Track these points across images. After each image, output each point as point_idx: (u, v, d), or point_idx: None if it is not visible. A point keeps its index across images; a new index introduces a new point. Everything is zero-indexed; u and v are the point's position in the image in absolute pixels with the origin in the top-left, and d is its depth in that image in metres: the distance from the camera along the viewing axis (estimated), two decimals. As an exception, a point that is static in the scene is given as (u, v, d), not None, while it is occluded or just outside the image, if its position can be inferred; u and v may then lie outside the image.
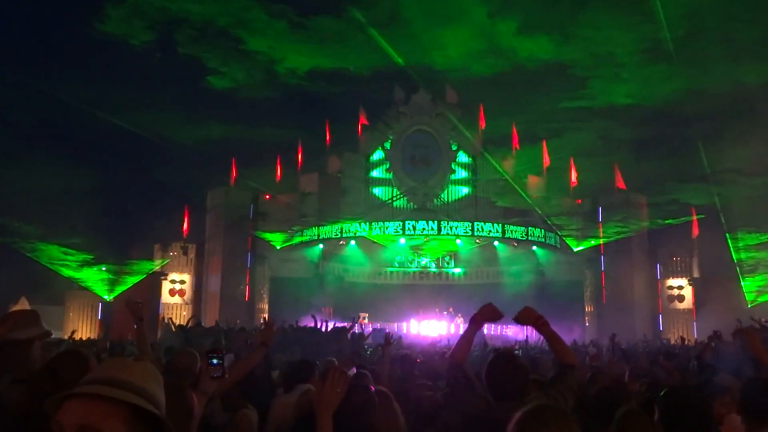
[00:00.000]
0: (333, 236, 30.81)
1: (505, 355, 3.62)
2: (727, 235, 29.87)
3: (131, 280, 31.55)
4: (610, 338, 13.69)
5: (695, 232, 31.53)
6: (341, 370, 2.84)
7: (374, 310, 31.01)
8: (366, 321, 29.01)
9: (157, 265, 32.49)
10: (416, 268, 35.32)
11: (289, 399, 4.96)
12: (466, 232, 30.16)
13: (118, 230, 32.58)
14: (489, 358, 3.64)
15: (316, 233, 31.24)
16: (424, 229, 29.95)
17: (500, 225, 30.30)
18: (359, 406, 3.33)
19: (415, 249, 33.98)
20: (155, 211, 34.06)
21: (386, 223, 30.36)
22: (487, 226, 30.16)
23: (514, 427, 1.97)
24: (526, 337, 17.29)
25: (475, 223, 30.17)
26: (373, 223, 30.38)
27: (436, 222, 30.02)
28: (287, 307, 27.21)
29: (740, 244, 30.25)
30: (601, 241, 32.39)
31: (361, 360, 10.36)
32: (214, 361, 3.18)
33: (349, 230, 30.36)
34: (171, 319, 24.11)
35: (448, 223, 30.05)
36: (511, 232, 30.49)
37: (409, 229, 29.82)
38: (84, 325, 30.98)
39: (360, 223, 30.43)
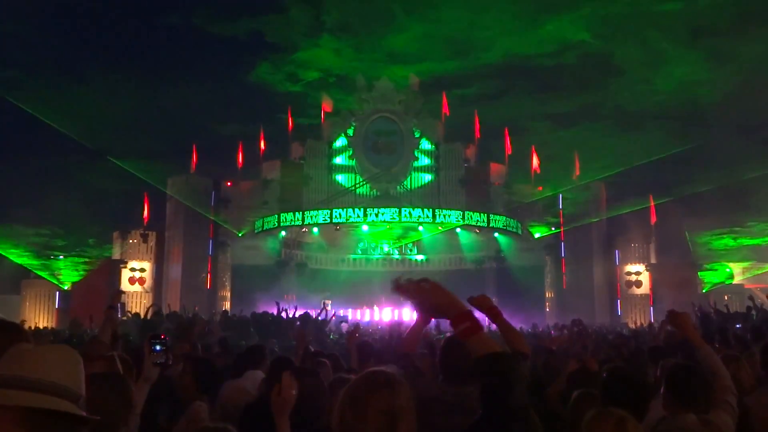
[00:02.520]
0: (323, 221, 30.17)
1: (457, 339, 3.63)
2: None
3: (89, 268, 31.04)
4: (572, 323, 13.95)
5: (653, 219, 32.09)
6: (292, 375, 2.87)
7: (337, 297, 30.97)
8: (329, 308, 28.98)
9: (114, 251, 32.01)
10: (379, 255, 35.32)
11: (238, 384, 4.92)
12: (458, 220, 30.20)
13: (76, 217, 31.99)
14: (442, 342, 3.67)
15: (300, 218, 30.40)
16: (419, 216, 29.86)
17: (485, 215, 30.54)
18: (309, 392, 3.33)
19: (378, 236, 33.92)
20: (114, 198, 33.56)
21: (381, 209, 30.16)
22: (475, 215, 30.30)
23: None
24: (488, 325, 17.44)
25: (466, 213, 30.28)
26: (368, 209, 30.02)
27: (430, 210, 29.94)
28: (250, 295, 27.09)
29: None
30: (561, 228, 32.78)
31: (324, 346, 10.37)
32: (157, 347, 3.09)
33: (340, 216, 29.80)
34: (129, 311, 23.77)
35: (441, 211, 30.04)
36: (495, 221, 30.77)
37: (405, 215, 29.74)
38: (41, 313, 30.43)
39: (354, 209, 30.04)
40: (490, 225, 30.69)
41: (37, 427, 1.45)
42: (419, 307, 2.09)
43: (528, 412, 1.91)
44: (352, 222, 30.20)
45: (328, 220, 29.97)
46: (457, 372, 3.41)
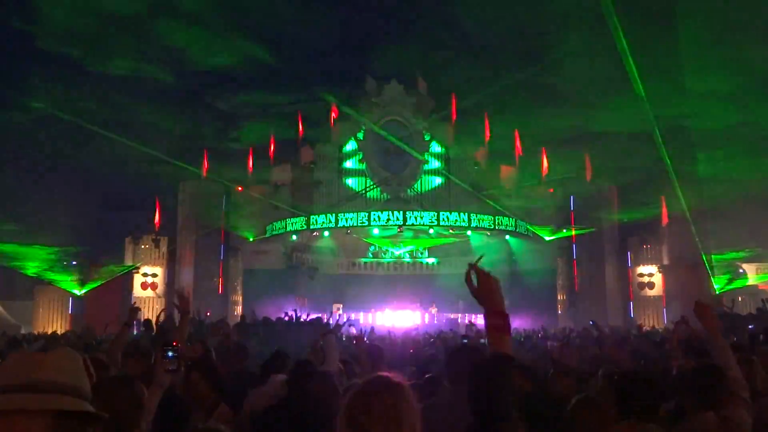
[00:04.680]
0: (360, 225, 29.71)
1: (462, 347, 3.72)
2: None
3: (102, 275, 31.17)
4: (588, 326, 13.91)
5: (665, 220, 31.86)
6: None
7: (348, 301, 31.02)
8: (340, 312, 29.06)
9: (127, 257, 32.18)
10: (390, 259, 35.31)
11: (263, 390, 4.94)
12: (490, 225, 30.20)
13: (89, 224, 32.18)
14: (450, 351, 3.73)
15: (332, 220, 29.76)
16: (456, 220, 29.78)
17: (513, 219, 30.86)
18: (322, 394, 3.34)
19: (392, 239, 33.82)
20: (126, 204, 33.72)
21: (420, 213, 30.01)
22: (505, 220, 30.54)
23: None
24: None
25: (496, 218, 30.35)
26: (407, 213, 29.68)
27: (466, 214, 29.89)
28: (261, 299, 27.15)
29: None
30: (573, 231, 32.58)
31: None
32: (170, 354, 3.12)
33: (379, 218, 29.43)
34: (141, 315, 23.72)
35: (477, 216, 29.95)
36: (520, 226, 31.06)
37: (443, 219, 29.70)
38: (54, 319, 30.60)
39: (392, 212, 29.67)
40: (517, 230, 30.80)
41: (66, 430, 1.43)
42: (475, 289, 2.42)
43: (512, 416, 2.18)
44: (392, 225, 29.96)
45: (366, 223, 29.64)
46: (460, 376, 3.44)
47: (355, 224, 29.76)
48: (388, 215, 29.53)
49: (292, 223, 30.64)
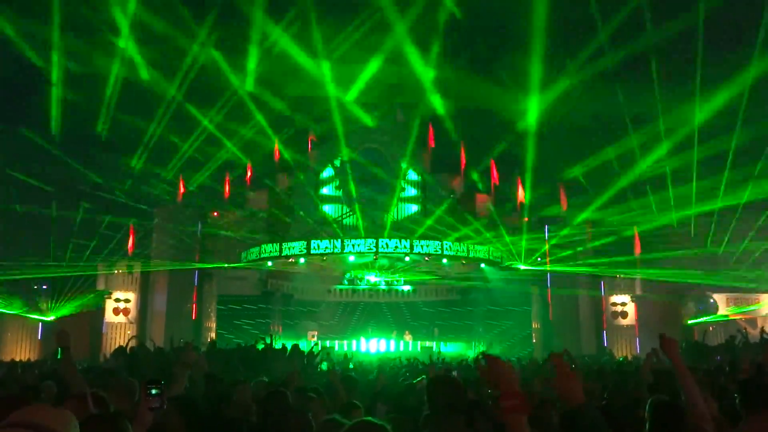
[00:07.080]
0: (367, 251, 28.84)
1: (442, 377, 3.71)
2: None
3: (73, 301, 30.68)
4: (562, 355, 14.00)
5: (637, 249, 32.22)
6: None
7: (323, 328, 30.89)
8: (315, 339, 28.93)
9: (99, 282, 31.72)
10: (365, 286, 35.22)
11: None
12: (486, 256, 30.23)
13: (61, 247, 31.73)
14: (429, 379, 3.74)
15: (338, 246, 28.81)
16: (457, 251, 29.69)
17: (502, 252, 31.01)
18: (295, 428, 3.35)
19: (364, 266, 33.78)
20: (99, 228, 33.27)
21: (426, 242, 29.71)
22: (497, 253, 30.65)
23: None
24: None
25: (489, 248, 30.49)
26: (414, 242, 29.28)
27: (465, 245, 29.79)
28: (236, 326, 26.97)
29: None
30: (548, 258, 32.80)
31: (312, 380, 10.31)
32: (153, 391, 3.09)
33: (387, 246, 28.69)
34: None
35: (474, 246, 29.86)
36: (503, 258, 31.07)
37: (447, 248, 29.35)
38: (23, 346, 29.99)
39: (400, 240, 28.97)
40: (504, 263, 31.02)
41: None
42: (489, 374, 2.36)
43: None
44: (399, 253, 29.50)
45: (373, 249, 28.85)
46: (446, 407, 3.46)
47: (362, 250, 28.99)
48: (394, 243, 28.94)
49: (290, 248, 29.46)
